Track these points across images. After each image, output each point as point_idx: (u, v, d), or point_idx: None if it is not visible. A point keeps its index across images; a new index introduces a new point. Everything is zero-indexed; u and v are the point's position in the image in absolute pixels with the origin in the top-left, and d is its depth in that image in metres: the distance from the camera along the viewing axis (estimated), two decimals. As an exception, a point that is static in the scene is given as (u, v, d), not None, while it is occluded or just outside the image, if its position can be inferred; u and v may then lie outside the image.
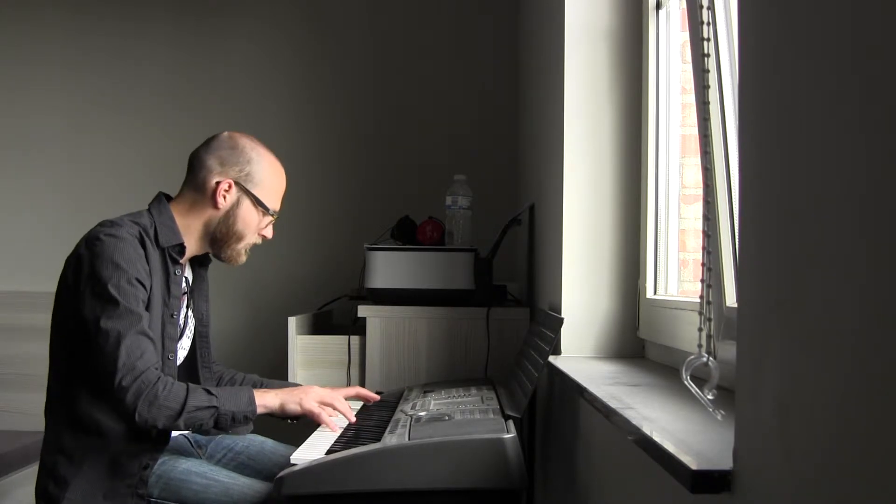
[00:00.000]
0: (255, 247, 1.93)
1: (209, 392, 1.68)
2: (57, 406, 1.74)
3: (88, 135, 3.32)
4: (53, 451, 1.72)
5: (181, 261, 1.82)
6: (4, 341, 3.15)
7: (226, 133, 1.88)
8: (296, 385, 2.07)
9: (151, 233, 1.76)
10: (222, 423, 1.68)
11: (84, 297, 1.67)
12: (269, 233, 1.91)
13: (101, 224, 1.74)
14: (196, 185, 1.83)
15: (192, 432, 1.91)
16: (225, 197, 1.82)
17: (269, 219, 1.89)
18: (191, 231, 1.83)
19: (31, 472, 2.67)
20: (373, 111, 3.26)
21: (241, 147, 1.85)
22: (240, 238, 1.85)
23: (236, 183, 1.83)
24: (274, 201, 1.89)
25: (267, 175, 1.87)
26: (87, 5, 3.33)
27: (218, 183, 1.81)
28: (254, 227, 1.86)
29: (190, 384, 1.69)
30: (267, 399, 1.73)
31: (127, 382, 1.61)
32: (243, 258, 1.89)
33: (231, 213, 1.83)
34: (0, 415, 3.10)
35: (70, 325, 1.71)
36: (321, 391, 1.81)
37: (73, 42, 3.34)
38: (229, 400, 1.68)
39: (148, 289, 1.71)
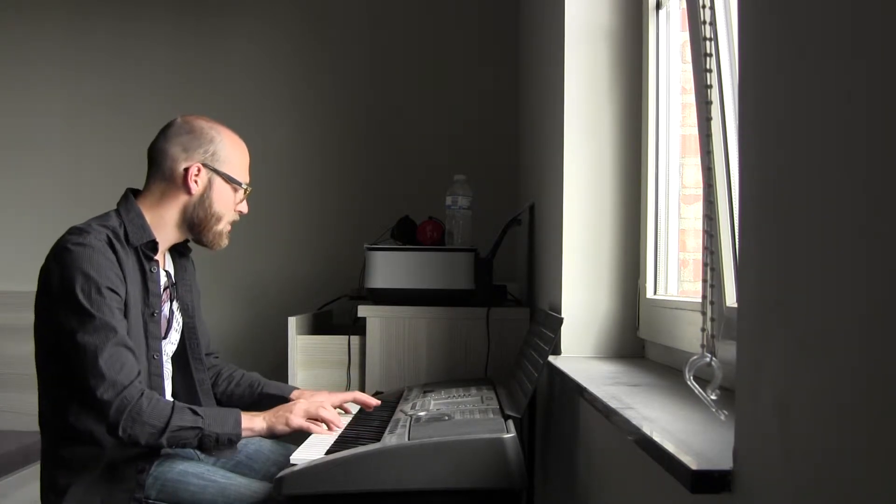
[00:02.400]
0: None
1: (195, 412, 1.66)
2: (49, 419, 1.73)
3: (88, 134, 3.32)
4: (51, 464, 1.72)
5: (155, 257, 1.80)
6: (4, 341, 3.15)
7: (179, 119, 1.87)
8: (294, 387, 2.07)
9: (121, 233, 1.74)
10: (206, 444, 1.66)
11: (59, 311, 1.65)
12: (244, 208, 1.91)
13: (70, 232, 1.72)
14: (164, 176, 1.81)
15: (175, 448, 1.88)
16: (196, 181, 1.81)
17: (242, 193, 1.88)
18: (165, 222, 1.82)
19: (31, 473, 2.67)
20: (373, 111, 3.27)
21: (199, 129, 1.84)
22: (219, 218, 1.85)
23: (204, 165, 1.82)
24: (243, 175, 1.89)
25: (231, 151, 1.86)
26: (87, 5, 3.34)
27: (187, 169, 1.81)
28: (231, 205, 1.86)
29: (176, 402, 1.67)
30: (254, 423, 1.72)
31: (109, 397, 1.59)
32: (225, 241, 1.88)
33: (206, 195, 1.82)
34: (0, 415, 3.10)
35: (51, 339, 1.70)
36: (306, 405, 1.78)
37: (73, 42, 3.34)
38: (215, 422, 1.66)
39: (122, 294, 1.69)
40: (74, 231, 1.71)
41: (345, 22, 3.29)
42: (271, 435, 1.76)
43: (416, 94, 3.26)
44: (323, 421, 1.77)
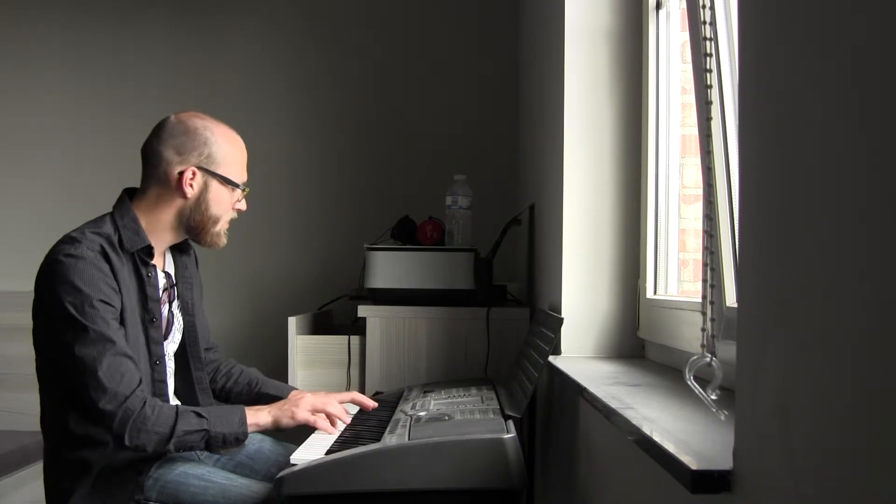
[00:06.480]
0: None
1: (199, 415, 1.65)
2: (50, 424, 1.73)
3: (88, 134, 3.33)
4: (53, 469, 1.72)
5: (152, 261, 1.77)
6: (4, 341, 3.15)
7: (173, 117, 1.82)
8: (293, 388, 2.06)
9: (116, 240, 1.71)
10: (213, 445, 1.66)
11: (54, 324, 1.64)
12: (243, 206, 1.87)
13: (62, 241, 1.69)
14: (158, 179, 1.77)
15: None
16: (192, 185, 1.77)
17: (239, 192, 1.85)
18: (161, 225, 1.78)
19: (30, 473, 2.67)
20: (373, 111, 3.26)
21: (193, 129, 1.79)
22: (216, 220, 1.81)
23: (199, 168, 1.77)
24: (240, 174, 1.84)
25: (227, 150, 1.81)
26: (87, 5, 3.34)
27: (181, 173, 1.76)
28: (228, 206, 1.82)
29: (179, 407, 1.66)
30: (259, 417, 1.71)
31: (112, 409, 1.59)
32: (224, 240, 1.85)
33: (202, 198, 1.78)
34: (0, 415, 3.10)
35: (48, 348, 1.70)
36: (312, 399, 1.78)
37: (73, 42, 3.34)
38: (220, 422, 1.66)
39: (117, 305, 1.66)
40: (67, 240, 1.68)
41: (345, 22, 3.29)
42: (276, 428, 1.75)
43: (416, 94, 3.26)
44: (328, 416, 1.77)
